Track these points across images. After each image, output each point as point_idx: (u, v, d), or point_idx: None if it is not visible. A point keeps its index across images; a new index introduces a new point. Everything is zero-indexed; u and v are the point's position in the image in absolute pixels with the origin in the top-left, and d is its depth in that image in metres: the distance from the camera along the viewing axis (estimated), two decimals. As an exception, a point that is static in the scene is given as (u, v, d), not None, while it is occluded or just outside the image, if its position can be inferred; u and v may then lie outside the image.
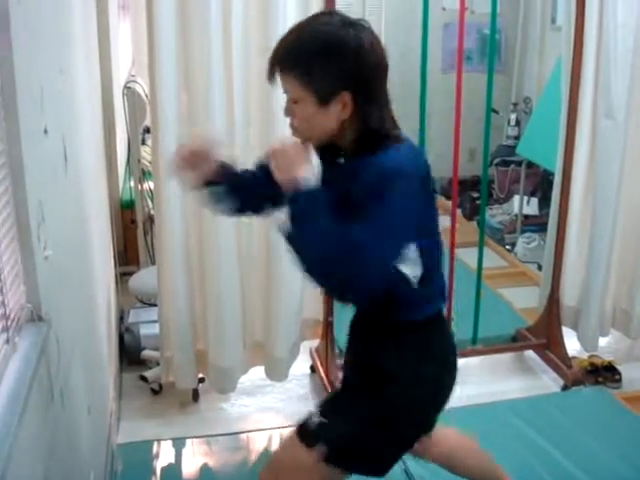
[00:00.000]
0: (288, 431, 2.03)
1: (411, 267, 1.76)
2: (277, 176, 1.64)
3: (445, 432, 2.23)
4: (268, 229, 3.05)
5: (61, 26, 2.27)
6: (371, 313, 1.91)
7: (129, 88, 3.89)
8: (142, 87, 3.90)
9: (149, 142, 3.61)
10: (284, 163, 1.64)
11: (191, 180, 1.91)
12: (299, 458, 1.91)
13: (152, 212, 3.69)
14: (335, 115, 1.67)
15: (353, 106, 1.66)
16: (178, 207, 2.94)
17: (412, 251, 1.74)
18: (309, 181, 1.60)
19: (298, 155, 1.65)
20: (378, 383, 1.89)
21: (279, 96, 2.86)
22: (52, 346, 1.65)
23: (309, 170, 1.62)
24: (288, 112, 1.74)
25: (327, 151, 1.77)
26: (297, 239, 1.64)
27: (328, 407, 1.99)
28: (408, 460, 2.80)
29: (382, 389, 1.88)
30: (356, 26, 1.65)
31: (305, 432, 1.92)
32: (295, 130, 1.75)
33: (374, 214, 1.60)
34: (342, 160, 1.77)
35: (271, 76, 1.71)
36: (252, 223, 3.05)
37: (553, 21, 5.88)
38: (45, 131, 1.76)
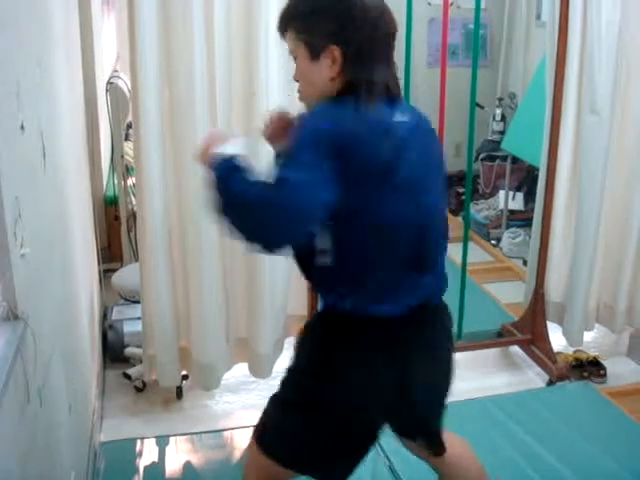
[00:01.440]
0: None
1: (320, 238, 1.69)
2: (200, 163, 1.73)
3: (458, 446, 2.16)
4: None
5: (40, 20, 2.24)
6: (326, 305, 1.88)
7: (112, 84, 3.86)
8: (125, 83, 3.87)
9: (132, 138, 3.58)
10: (203, 149, 1.73)
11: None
12: (251, 453, 1.99)
13: (135, 208, 3.67)
14: (326, 70, 1.70)
15: (342, 63, 1.69)
16: (160, 203, 2.92)
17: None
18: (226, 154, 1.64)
19: (216, 140, 1.73)
20: (303, 369, 1.90)
21: (262, 93, 2.88)
22: (29, 345, 1.63)
23: (227, 148, 1.67)
24: (295, 74, 1.79)
25: None
26: (221, 201, 1.62)
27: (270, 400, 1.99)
28: (393, 457, 2.81)
29: (302, 377, 1.89)
30: None
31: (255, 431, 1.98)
32: (300, 95, 1.80)
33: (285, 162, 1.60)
34: None
35: (281, 33, 1.78)
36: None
37: (538, 17, 5.88)
38: (22, 127, 1.73)
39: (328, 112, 1.65)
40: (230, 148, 1.68)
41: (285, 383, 1.94)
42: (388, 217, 1.69)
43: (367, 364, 1.77)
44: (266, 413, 1.96)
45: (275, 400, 1.95)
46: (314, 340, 1.92)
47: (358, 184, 1.62)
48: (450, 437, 2.08)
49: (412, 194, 1.71)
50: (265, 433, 1.93)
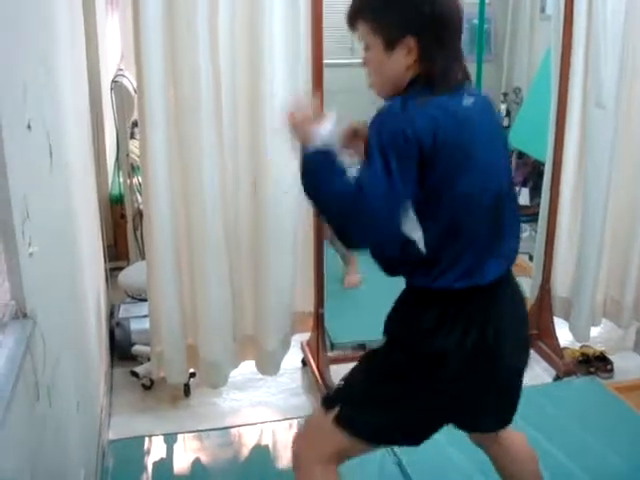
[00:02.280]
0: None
1: (411, 229, 1.74)
2: (292, 132, 1.76)
3: (515, 437, 2.18)
4: (257, 223, 3.04)
5: (44, 20, 2.24)
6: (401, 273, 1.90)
7: (116, 82, 3.86)
8: (130, 81, 3.87)
9: (138, 136, 3.58)
10: (299, 121, 1.75)
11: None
12: (320, 423, 1.94)
13: (141, 207, 3.67)
14: (401, 60, 1.72)
15: (418, 52, 1.71)
16: (166, 201, 2.92)
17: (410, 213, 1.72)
18: (322, 137, 1.68)
19: (312, 115, 1.75)
20: (390, 343, 1.90)
21: (267, 90, 2.88)
22: (37, 343, 1.63)
23: (323, 128, 1.70)
24: (365, 62, 1.81)
25: None
26: (306, 190, 1.73)
27: (352, 370, 1.99)
28: (401, 453, 2.81)
29: (392, 350, 1.89)
30: None
31: (326, 397, 1.99)
32: (372, 83, 1.82)
33: (363, 169, 1.66)
34: None
35: (351, 25, 1.79)
36: (240, 217, 3.05)
37: (543, 10, 5.85)
38: (29, 126, 1.74)
39: (402, 111, 1.66)
40: (326, 128, 1.71)
41: (374, 362, 1.95)
42: (470, 190, 1.75)
43: (469, 333, 1.80)
44: (347, 391, 1.94)
45: (363, 378, 1.94)
46: (408, 318, 1.90)
47: (440, 172, 1.69)
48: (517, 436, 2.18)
49: (487, 168, 1.78)
50: (351, 411, 1.89)
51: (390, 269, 1.89)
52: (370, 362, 1.97)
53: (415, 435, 1.94)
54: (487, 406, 1.96)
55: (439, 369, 1.81)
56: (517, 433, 2.18)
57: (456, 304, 1.80)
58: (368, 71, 1.81)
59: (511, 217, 1.89)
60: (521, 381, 2.04)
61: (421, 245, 1.75)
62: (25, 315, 1.59)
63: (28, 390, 1.55)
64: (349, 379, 1.96)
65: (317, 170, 1.70)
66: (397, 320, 1.91)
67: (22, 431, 1.50)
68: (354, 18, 1.77)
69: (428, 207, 1.72)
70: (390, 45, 1.72)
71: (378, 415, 1.86)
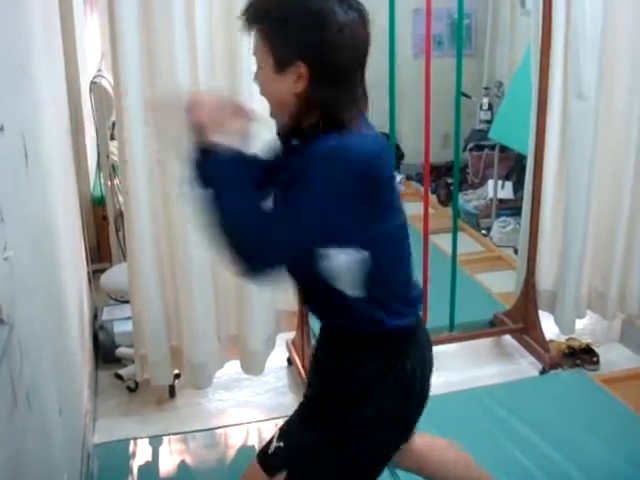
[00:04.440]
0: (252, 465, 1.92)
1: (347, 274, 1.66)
2: (193, 120, 1.56)
3: (428, 443, 2.14)
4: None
5: (17, 19, 2.21)
6: (330, 324, 1.86)
7: (95, 83, 3.83)
8: (109, 82, 3.83)
9: (117, 137, 3.55)
10: (212, 111, 1.58)
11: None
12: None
13: (123, 208, 3.64)
14: (289, 86, 1.58)
15: (308, 82, 1.56)
16: (147, 202, 2.90)
17: (345, 254, 1.64)
18: (233, 142, 1.56)
19: (233, 110, 1.62)
20: (330, 398, 1.83)
21: (245, 89, 2.86)
22: (14, 349, 1.60)
23: (239, 131, 1.58)
24: (255, 76, 1.67)
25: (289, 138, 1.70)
26: (204, 201, 1.54)
27: (287, 427, 1.90)
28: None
29: (333, 406, 1.81)
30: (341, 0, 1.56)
31: (264, 458, 1.87)
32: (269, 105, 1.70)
33: (289, 198, 1.54)
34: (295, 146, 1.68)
35: (245, 28, 1.61)
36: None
37: (523, 4, 5.86)
38: (1, 128, 1.71)
39: (340, 144, 1.55)
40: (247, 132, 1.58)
41: (310, 416, 1.89)
42: (397, 222, 1.72)
43: (388, 383, 1.77)
44: (294, 454, 1.85)
45: (304, 436, 1.85)
46: (334, 365, 1.85)
47: (375, 204, 1.63)
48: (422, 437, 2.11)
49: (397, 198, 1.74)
50: (303, 474, 1.85)
51: None
52: (311, 426, 1.87)
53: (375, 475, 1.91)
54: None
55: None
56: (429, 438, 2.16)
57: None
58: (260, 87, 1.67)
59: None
60: None
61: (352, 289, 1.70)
62: (1, 321, 1.56)
63: (5, 397, 1.53)
64: (292, 439, 1.86)
65: (225, 186, 1.54)
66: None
67: (0, 437, 1.47)
68: (250, 23, 1.59)
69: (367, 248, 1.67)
70: (280, 67, 1.57)
71: (334, 470, 1.82)
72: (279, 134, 1.73)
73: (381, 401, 1.77)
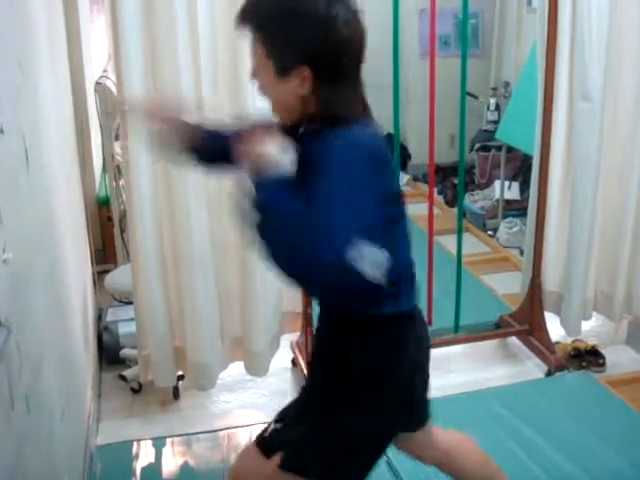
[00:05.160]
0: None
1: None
2: (243, 159, 1.55)
3: (442, 434, 2.14)
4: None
5: (20, 21, 2.21)
6: (332, 305, 1.84)
7: (100, 84, 3.83)
8: (113, 82, 3.84)
9: (120, 138, 3.55)
10: (252, 147, 1.54)
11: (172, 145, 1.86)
12: (257, 468, 1.85)
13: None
14: (293, 89, 1.59)
15: (313, 83, 1.57)
16: (150, 203, 2.89)
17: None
18: (275, 168, 1.50)
19: (266, 140, 1.55)
20: (329, 380, 1.84)
21: (249, 93, 2.85)
22: (12, 352, 1.60)
23: (277, 157, 1.52)
24: (252, 75, 1.67)
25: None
26: (262, 228, 1.51)
27: (286, 411, 1.92)
28: (390, 452, 2.78)
29: (331, 388, 1.82)
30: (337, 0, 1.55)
31: (262, 440, 1.87)
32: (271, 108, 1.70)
33: (322, 191, 1.48)
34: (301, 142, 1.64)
35: (241, 31, 1.62)
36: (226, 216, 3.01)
37: (529, 3, 5.83)
38: (1, 130, 1.70)
39: (351, 133, 1.55)
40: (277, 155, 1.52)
41: (309, 398, 1.91)
42: (401, 212, 1.73)
43: (410, 358, 1.79)
44: (290, 434, 1.85)
45: (302, 418, 1.86)
46: (334, 348, 1.85)
47: (384, 187, 1.62)
48: (444, 432, 2.12)
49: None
50: (298, 453, 1.82)
51: None
52: (311, 407, 1.88)
53: (369, 462, 1.89)
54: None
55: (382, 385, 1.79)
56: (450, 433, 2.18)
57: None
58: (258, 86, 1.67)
59: None
60: None
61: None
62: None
63: (2, 400, 1.52)
64: (289, 421, 1.87)
65: (272, 199, 1.50)
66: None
67: (-3, 441, 1.47)
68: (244, 27, 1.61)
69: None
70: (283, 72, 1.58)
71: (330, 452, 1.80)
72: (282, 127, 1.70)
73: (380, 383, 1.77)
